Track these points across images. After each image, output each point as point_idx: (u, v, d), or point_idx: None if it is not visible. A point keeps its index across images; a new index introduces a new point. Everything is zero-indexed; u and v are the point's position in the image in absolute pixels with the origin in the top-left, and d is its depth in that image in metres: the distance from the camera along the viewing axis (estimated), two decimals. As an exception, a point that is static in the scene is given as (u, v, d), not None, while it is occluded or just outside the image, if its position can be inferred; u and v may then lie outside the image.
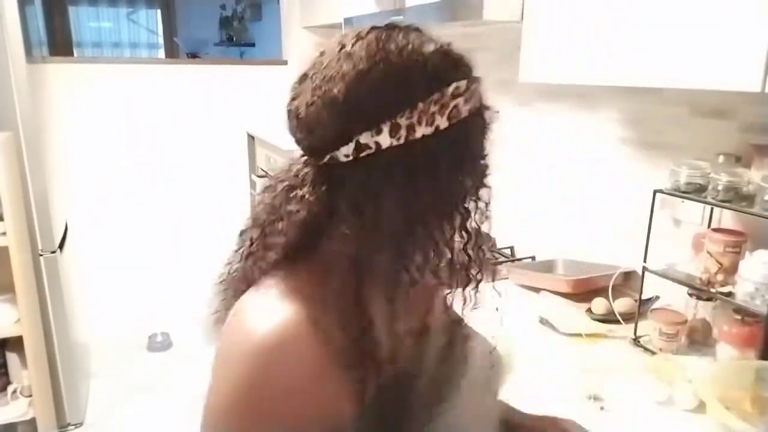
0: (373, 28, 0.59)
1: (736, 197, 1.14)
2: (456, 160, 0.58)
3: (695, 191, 1.20)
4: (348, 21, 2.02)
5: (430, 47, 0.58)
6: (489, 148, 0.63)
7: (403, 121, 0.54)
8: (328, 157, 0.57)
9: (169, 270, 3.27)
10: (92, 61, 3.14)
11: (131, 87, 2.99)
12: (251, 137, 3.24)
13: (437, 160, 0.56)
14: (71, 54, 5.44)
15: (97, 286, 3.10)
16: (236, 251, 0.67)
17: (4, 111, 2.12)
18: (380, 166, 0.56)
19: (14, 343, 2.11)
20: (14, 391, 2.17)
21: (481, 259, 0.64)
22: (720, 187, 1.15)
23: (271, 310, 0.58)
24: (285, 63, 3.32)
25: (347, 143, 0.55)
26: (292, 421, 0.56)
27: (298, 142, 0.62)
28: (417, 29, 0.60)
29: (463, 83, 0.57)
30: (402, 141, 0.55)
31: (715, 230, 1.24)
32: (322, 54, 0.60)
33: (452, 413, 0.63)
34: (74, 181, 2.95)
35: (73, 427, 2.49)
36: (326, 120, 0.56)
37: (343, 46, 0.58)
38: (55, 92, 2.80)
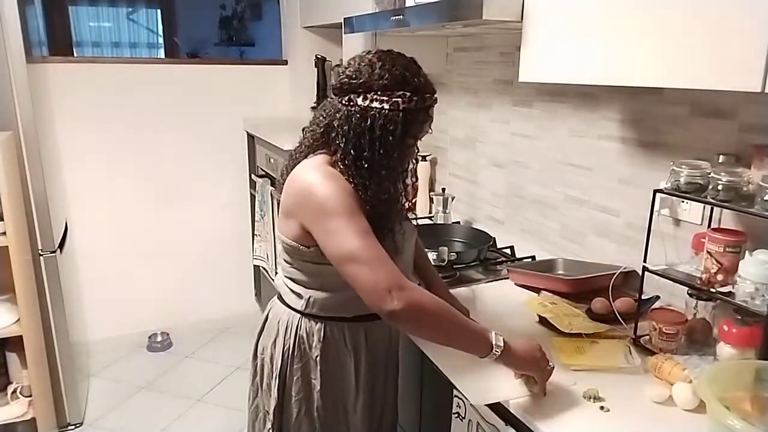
0: (380, 51, 1.18)
1: (736, 197, 1.14)
2: (387, 125, 1.12)
3: (695, 191, 1.20)
4: (348, 21, 2.02)
5: (397, 71, 1.13)
6: (418, 134, 1.18)
7: (369, 96, 1.13)
8: (338, 99, 1.18)
9: (169, 270, 3.27)
10: (92, 61, 3.13)
11: (131, 87, 2.99)
12: (251, 137, 3.24)
13: (377, 120, 1.12)
14: (71, 54, 5.43)
15: (97, 286, 3.09)
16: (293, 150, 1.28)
17: (4, 111, 2.13)
18: (355, 111, 1.14)
19: (14, 343, 2.11)
20: (14, 391, 2.16)
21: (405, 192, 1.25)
22: (720, 187, 1.15)
23: (322, 162, 1.18)
24: (285, 63, 3.32)
25: (346, 95, 1.15)
26: (355, 203, 1.11)
27: (333, 86, 1.20)
28: (410, 58, 1.18)
29: (407, 94, 1.12)
30: (366, 104, 1.13)
31: (715, 230, 1.24)
32: (357, 55, 1.20)
33: (400, 236, 1.22)
34: (74, 181, 2.94)
35: (73, 427, 2.49)
36: (340, 81, 1.17)
37: (365, 53, 1.18)
38: (55, 92, 2.80)
